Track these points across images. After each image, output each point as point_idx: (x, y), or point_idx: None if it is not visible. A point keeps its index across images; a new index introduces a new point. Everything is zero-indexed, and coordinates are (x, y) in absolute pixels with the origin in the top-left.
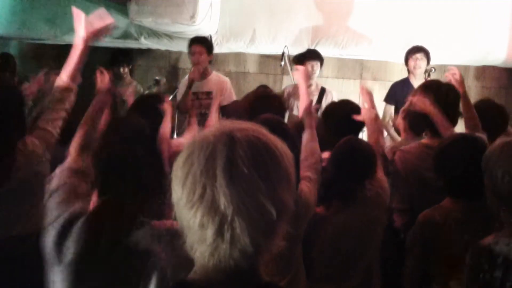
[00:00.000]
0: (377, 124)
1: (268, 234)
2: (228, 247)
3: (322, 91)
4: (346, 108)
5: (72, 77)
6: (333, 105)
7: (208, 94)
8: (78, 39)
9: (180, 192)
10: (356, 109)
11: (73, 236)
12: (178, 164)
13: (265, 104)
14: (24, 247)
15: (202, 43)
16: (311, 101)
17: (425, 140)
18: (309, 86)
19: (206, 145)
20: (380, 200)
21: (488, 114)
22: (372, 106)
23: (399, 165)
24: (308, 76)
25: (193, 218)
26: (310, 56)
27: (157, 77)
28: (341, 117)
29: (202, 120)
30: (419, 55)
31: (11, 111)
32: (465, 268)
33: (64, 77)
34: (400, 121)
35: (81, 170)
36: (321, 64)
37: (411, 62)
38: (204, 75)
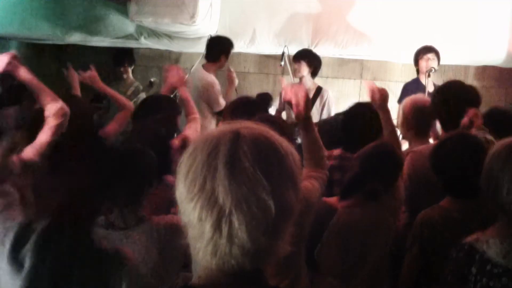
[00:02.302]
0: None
1: (270, 233)
2: (226, 243)
3: (318, 90)
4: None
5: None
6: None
7: None
8: None
9: (182, 187)
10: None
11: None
12: (182, 160)
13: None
14: None
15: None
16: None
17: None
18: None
19: (210, 140)
20: (393, 205)
21: (496, 120)
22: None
23: (408, 166)
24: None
25: (193, 211)
26: (297, 56)
27: (152, 79)
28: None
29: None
30: (430, 55)
31: None
32: (448, 262)
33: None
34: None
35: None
36: (309, 64)
37: (422, 63)
38: None
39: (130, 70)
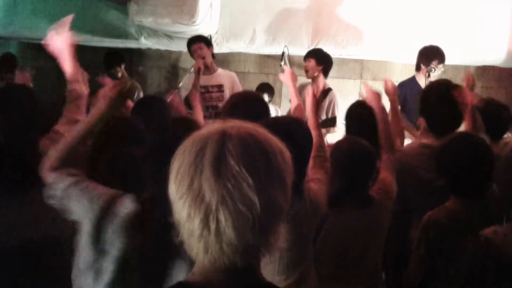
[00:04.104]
0: (385, 115)
1: (258, 230)
2: (215, 240)
3: (326, 91)
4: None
5: (75, 79)
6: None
7: (219, 87)
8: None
9: (172, 187)
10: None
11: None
12: (173, 160)
13: (244, 104)
14: (47, 250)
15: (198, 40)
16: (299, 103)
17: (423, 140)
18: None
19: (198, 141)
20: (384, 202)
21: (492, 114)
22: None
23: (396, 166)
24: (294, 78)
25: (182, 209)
26: (306, 54)
27: (139, 68)
28: (358, 119)
29: (214, 112)
30: (440, 66)
31: (26, 111)
32: (464, 256)
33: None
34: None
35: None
36: (318, 62)
37: (428, 69)
38: (211, 70)
39: (122, 69)
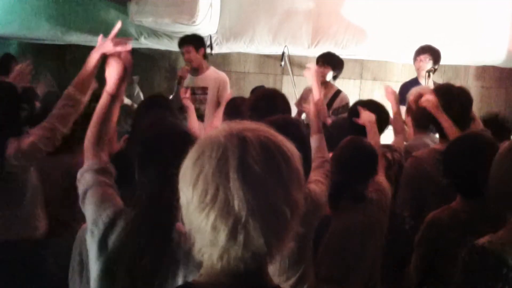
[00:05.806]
0: (399, 124)
1: (281, 235)
2: (240, 249)
3: (337, 93)
4: (372, 109)
5: (80, 89)
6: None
7: (204, 89)
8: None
9: (190, 195)
10: (381, 109)
11: (116, 234)
12: (186, 166)
13: (269, 104)
14: (17, 253)
15: (186, 43)
16: (321, 100)
17: (436, 145)
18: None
19: (216, 146)
20: (382, 202)
21: (491, 126)
22: (397, 106)
23: (411, 172)
24: (320, 75)
25: (205, 220)
26: (323, 60)
27: (133, 77)
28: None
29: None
30: (422, 57)
31: (4, 108)
32: (459, 266)
33: (71, 89)
34: (406, 118)
35: (103, 168)
36: (333, 69)
37: (416, 64)
38: (200, 71)
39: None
